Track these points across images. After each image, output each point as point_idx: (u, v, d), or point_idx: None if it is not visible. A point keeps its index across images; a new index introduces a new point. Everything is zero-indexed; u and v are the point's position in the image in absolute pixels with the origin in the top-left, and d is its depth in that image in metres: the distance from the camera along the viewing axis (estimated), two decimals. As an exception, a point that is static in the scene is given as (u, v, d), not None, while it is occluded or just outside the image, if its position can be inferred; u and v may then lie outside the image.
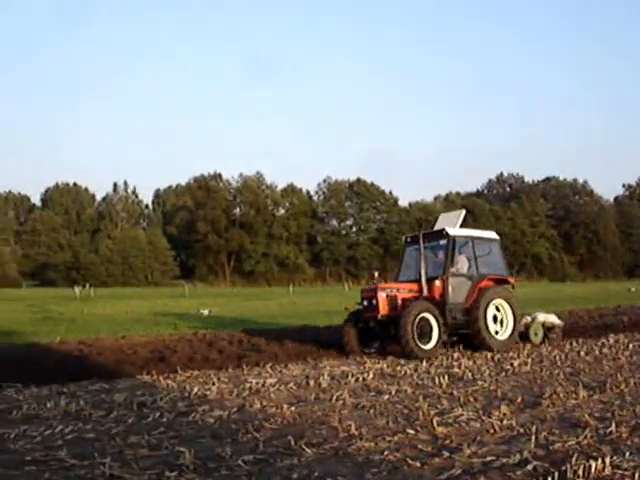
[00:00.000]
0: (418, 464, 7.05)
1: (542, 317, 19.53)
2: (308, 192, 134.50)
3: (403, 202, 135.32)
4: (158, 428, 8.90)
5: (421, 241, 17.69)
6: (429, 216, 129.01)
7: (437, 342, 16.53)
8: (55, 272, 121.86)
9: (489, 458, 7.19)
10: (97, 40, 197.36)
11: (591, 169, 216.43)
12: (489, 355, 16.22)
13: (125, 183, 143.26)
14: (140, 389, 12.02)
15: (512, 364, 14.26)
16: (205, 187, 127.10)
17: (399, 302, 17.03)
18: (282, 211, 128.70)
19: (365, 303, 17.50)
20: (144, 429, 8.85)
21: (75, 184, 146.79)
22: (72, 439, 8.39)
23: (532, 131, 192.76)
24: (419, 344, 16.06)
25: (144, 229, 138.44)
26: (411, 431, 8.46)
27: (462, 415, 9.32)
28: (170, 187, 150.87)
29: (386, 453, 7.48)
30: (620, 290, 60.12)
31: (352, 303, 18.36)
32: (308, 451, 7.60)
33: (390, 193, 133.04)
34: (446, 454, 7.39)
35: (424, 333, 16.32)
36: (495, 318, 17.73)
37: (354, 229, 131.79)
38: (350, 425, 8.72)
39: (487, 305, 17.48)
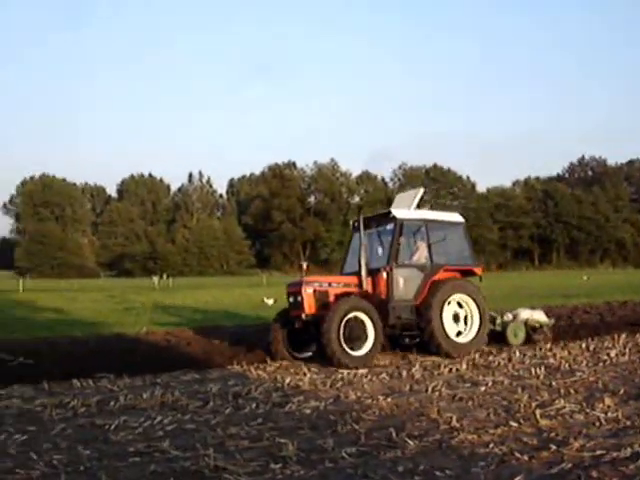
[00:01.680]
0: (526, 457, 6.92)
1: (525, 315, 16.81)
2: (383, 179, 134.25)
3: (481, 187, 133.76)
4: (256, 419, 8.90)
5: (361, 226, 15.01)
6: (508, 201, 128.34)
7: (372, 348, 13.86)
8: (132, 262, 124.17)
9: (599, 452, 7.02)
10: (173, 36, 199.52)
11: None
12: (584, 345, 15.37)
13: (200, 173, 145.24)
14: (232, 379, 12.06)
15: (609, 354, 13.79)
16: (280, 176, 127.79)
17: (331, 299, 14.43)
18: (357, 199, 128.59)
19: (291, 300, 14.89)
20: (242, 420, 8.87)
21: (150, 175, 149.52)
22: (172, 430, 8.46)
23: (614, 113, 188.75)
24: (347, 350, 13.53)
25: (219, 219, 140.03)
26: (514, 424, 8.30)
27: (564, 407, 9.12)
28: (244, 176, 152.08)
29: (491, 446, 7.35)
30: None
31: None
32: (411, 443, 7.51)
33: (467, 178, 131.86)
34: (553, 447, 7.23)
35: (355, 337, 13.76)
36: (457, 317, 15.23)
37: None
38: (450, 417, 8.62)
39: (444, 302, 14.84)
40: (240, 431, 8.26)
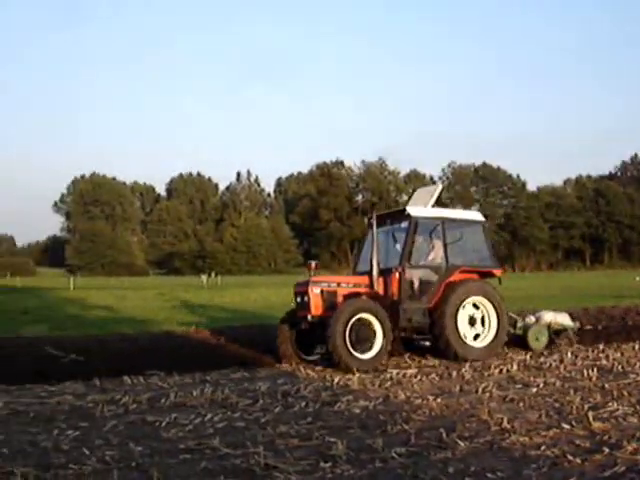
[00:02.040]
0: (578, 460, 6.82)
1: (548, 317, 16.10)
2: (432, 177, 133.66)
3: (531, 186, 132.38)
4: (305, 418, 8.90)
5: (373, 223, 14.51)
6: (559, 200, 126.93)
7: (381, 351, 13.36)
8: (181, 261, 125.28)
9: (653, 456, 6.87)
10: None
11: None
12: (637, 347, 15.04)
13: (248, 172, 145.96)
14: (281, 378, 12.11)
15: (664, 356, 13.59)
16: (327, 174, 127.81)
17: (339, 299, 13.93)
18: (405, 197, 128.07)
19: (298, 300, 14.43)
20: (292, 418, 8.88)
21: (199, 174, 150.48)
22: (223, 428, 8.49)
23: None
24: (353, 353, 13.03)
25: (267, 217, 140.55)
26: (566, 426, 8.19)
27: (617, 410, 8.97)
28: (292, 175, 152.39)
29: (543, 448, 7.26)
30: None
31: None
32: (461, 444, 7.45)
33: (517, 177, 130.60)
34: (606, 450, 7.10)
35: (363, 339, 13.26)
36: (473, 320, 14.60)
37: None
38: (501, 418, 8.53)
39: (459, 305, 14.21)
40: (290, 429, 8.27)
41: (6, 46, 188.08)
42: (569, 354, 14.19)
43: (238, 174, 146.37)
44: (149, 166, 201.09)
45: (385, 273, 14.40)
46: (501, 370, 12.50)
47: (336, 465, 6.82)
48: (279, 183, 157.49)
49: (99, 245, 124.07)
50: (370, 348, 13.31)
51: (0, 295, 40.16)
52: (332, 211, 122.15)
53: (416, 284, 14.41)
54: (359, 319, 13.27)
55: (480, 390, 10.58)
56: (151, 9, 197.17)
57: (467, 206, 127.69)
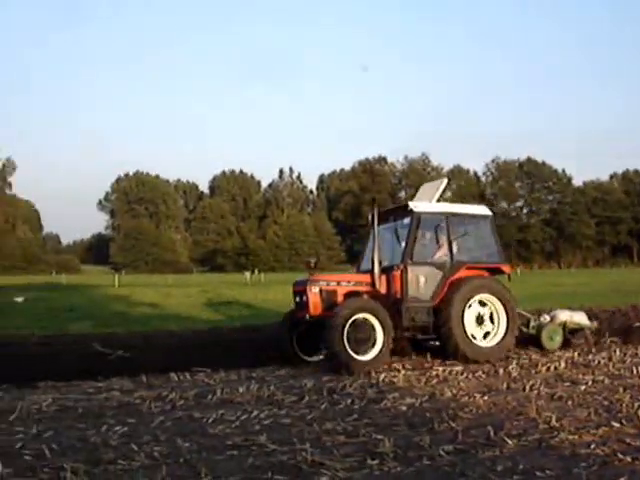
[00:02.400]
0: (629, 459, 6.74)
1: (563, 316, 15.48)
2: (476, 173, 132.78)
3: (577, 181, 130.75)
4: (352, 415, 8.89)
5: (375, 219, 14.08)
6: (606, 195, 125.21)
7: (381, 352, 12.86)
8: (224, 258, 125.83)
9: None
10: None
11: None
12: None
13: (290, 169, 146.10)
14: (327, 375, 12.10)
15: None
16: (370, 171, 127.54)
17: (339, 299, 13.51)
18: (449, 193, 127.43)
19: (296, 300, 14.09)
20: (338, 415, 8.87)
21: (241, 171, 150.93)
22: (269, 424, 8.51)
23: None
24: (352, 354, 12.55)
25: (309, 214, 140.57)
26: (616, 424, 8.10)
27: (669, 408, 8.83)
28: (334, 172, 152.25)
29: (592, 447, 7.18)
30: None
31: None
32: (509, 442, 7.39)
33: (563, 172, 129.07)
34: (658, 449, 6.99)
35: (363, 339, 12.78)
36: (481, 319, 14.01)
37: (525, 210, 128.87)
38: (550, 416, 8.46)
39: (464, 303, 13.64)
40: (336, 426, 8.26)
41: (44, 43, 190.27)
42: (617, 352, 14.02)
43: (280, 171, 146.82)
44: (192, 164, 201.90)
45: (388, 271, 13.94)
46: (548, 368, 12.38)
47: (383, 462, 6.80)
48: (321, 180, 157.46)
49: (143, 243, 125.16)
50: (370, 349, 12.84)
51: (46, 292, 40.59)
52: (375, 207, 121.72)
53: (419, 282, 13.85)
54: (358, 319, 12.82)
55: (527, 388, 10.49)
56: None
57: (512, 202, 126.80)
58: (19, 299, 32.36)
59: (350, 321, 12.69)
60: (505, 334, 13.90)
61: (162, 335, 17.61)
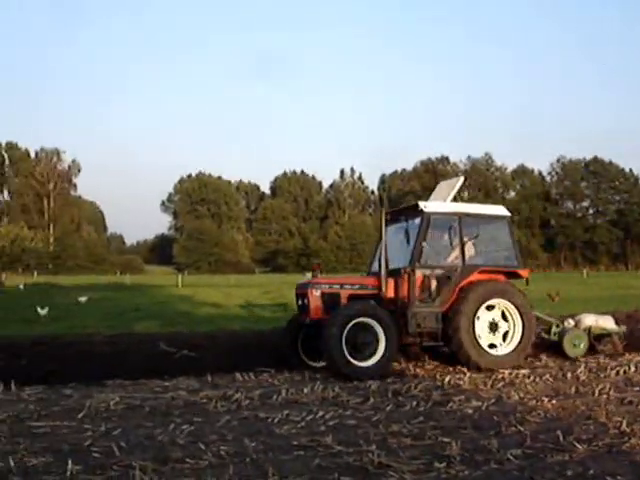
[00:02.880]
0: None
1: (588, 321, 14.74)
2: (540, 173, 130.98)
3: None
4: (417, 417, 8.85)
5: (382, 220, 13.46)
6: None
7: (383, 359, 12.29)
8: (286, 258, 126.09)
9: None
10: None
11: None
12: None
13: (352, 170, 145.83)
14: (391, 376, 12.06)
15: None
16: (432, 171, 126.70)
17: (342, 302, 12.98)
18: (512, 194, 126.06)
19: (299, 303, 13.64)
20: (403, 417, 8.84)
21: (303, 172, 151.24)
22: (334, 425, 8.52)
23: None
24: (350, 360, 12.03)
25: (371, 215, 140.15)
26: (689, 430, 7.89)
27: None
28: (395, 172, 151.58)
29: (665, 453, 7.01)
30: None
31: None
32: (579, 447, 7.30)
33: (630, 171, 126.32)
34: None
35: (363, 345, 12.25)
36: (496, 326, 13.29)
37: (591, 211, 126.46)
38: (620, 421, 8.34)
39: (476, 308, 12.98)
40: (402, 429, 8.24)
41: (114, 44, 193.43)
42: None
43: (342, 172, 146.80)
44: (254, 165, 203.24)
45: (396, 274, 13.32)
46: (618, 372, 12.14)
47: (450, 465, 6.77)
48: (383, 180, 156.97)
49: (206, 243, 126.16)
50: (372, 355, 12.32)
51: (111, 292, 41.32)
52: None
53: (427, 286, 13.19)
54: (358, 323, 12.30)
55: (597, 392, 10.32)
56: None
57: (578, 202, 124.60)
58: (82, 299, 32.93)
59: (349, 325, 12.20)
60: (520, 341, 13.23)
61: (226, 335, 17.66)
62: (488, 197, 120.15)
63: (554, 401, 9.73)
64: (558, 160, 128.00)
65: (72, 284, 52.04)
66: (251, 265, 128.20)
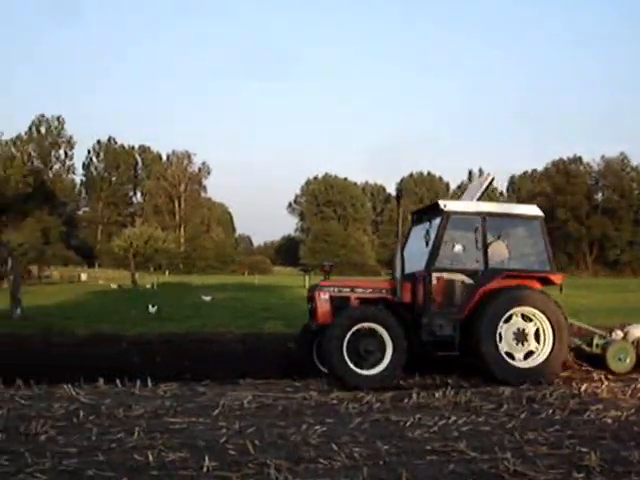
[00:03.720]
0: None
1: (637, 333, 13.40)
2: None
3: None
4: (553, 425, 8.63)
5: (399, 221, 12.85)
6: None
7: (390, 367, 11.62)
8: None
9: None
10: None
11: None
12: None
13: (480, 170, 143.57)
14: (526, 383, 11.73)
15: None
16: (564, 172, 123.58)
17: (351, 306, 12.37)
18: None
19: (309, 307, 13.00)
20: (539, 425, 8.63)
21: (429, 173, 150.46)
22: (468, 431, 8.39)
23: None
24: (352, 367, 11.45)
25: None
26: None
27: None
28: (525, 173, 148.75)
29: None
30: None
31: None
32: None
33: None
34: None
35: (368, 352, 11.60)
36: (522, 337, 12.29)
37: None
38: None
39: (500, 316, 12.08)
40: (537, 437, 8.04)
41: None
42: None
43: (470, 172, 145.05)
44: (378, 166, 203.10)
45: (411, 278, 12.59)
46: None
47: (589, 476, 6.55)
48: (512, 181, 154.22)
49: (332, 245, 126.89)
50: (377, 363, 11.68)
51: (241, 292, 42.17)
52: (569, 210, 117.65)
53: (445, 291, 12.37)
54: (364, 329, 11.73)
55: None
56: None
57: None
58: (207, 298, 33.78)
59: (352, 331, 11.62)
60: (551, 353, 12.24)
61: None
62: (623, 198, 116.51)
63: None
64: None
65: (202, 284, 53.40)
66: (377, 267, 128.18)
